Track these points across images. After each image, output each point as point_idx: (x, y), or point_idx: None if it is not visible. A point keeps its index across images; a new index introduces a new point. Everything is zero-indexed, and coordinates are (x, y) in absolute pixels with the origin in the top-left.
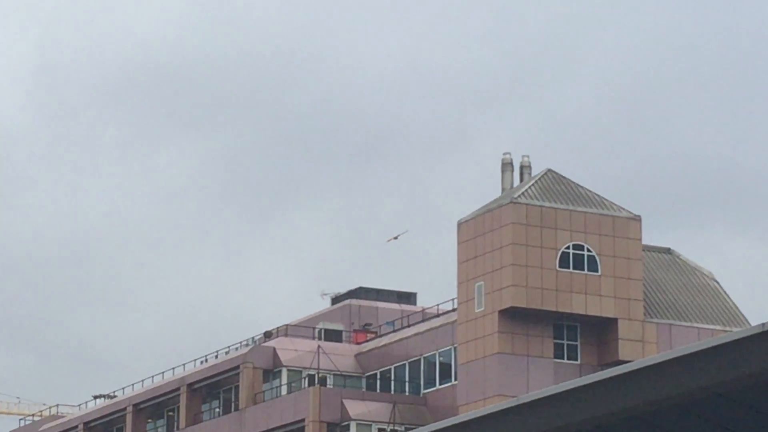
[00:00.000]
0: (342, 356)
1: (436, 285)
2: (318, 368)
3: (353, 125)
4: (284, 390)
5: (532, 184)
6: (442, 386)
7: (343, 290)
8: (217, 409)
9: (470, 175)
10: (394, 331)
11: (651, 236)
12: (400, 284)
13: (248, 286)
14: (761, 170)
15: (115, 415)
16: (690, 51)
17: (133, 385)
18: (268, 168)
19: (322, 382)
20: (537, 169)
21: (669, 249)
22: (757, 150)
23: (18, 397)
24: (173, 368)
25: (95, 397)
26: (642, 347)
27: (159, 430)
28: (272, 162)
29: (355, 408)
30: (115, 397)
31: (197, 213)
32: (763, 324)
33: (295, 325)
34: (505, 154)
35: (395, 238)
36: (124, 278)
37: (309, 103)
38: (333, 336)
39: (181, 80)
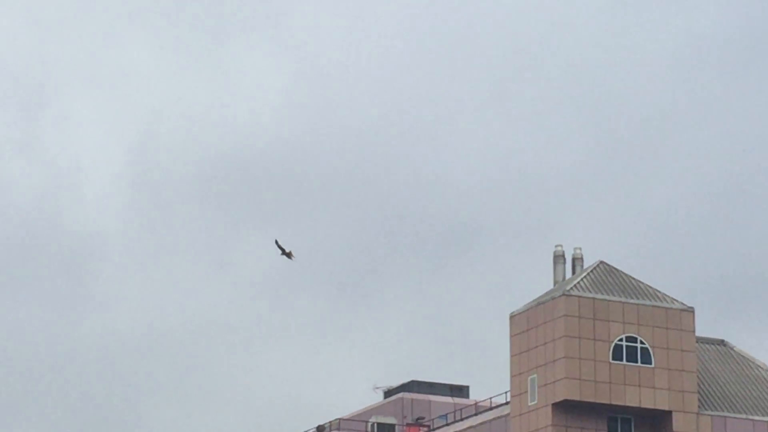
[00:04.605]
0: None
1: (489, 378)
2: None
3: (432, 219)
4: None
5: (584, 276)
6: None
7: (395, 384)
8: None
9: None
10: (447, 424)
11: (705, 328)
12: (452, 377)
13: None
14: None
15: None
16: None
17: None
18: (348, 261)
19: None
20: (589, 261)
21: (723, 340)
22: None
23: None
24: None
25: None
26: None
27: None
28: (353, 254)
29: None
30: None
31: (275, 308)
32: None
33: (347, 419)
34: (556, 246)
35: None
36: (199, 375)
37: (392, 194)
38: (386, 430)
39: (263, 171)
